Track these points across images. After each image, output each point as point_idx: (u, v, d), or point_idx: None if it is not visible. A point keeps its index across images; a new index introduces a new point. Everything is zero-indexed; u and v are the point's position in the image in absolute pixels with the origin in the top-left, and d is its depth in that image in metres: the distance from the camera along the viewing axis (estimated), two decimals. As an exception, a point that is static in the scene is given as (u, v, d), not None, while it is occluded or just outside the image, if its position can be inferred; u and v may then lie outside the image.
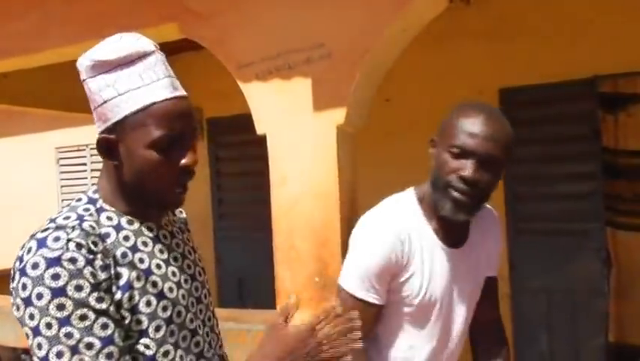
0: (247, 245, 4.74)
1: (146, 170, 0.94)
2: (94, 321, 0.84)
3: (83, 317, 0.84)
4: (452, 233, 1.36)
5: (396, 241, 1.30)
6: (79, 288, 0.84)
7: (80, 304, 0.84)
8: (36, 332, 0.83)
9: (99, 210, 0.96)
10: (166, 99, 0.92)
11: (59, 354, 0.82)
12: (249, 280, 4.85)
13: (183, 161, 0.95)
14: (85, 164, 6.27)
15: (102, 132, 0.94)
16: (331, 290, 2.45)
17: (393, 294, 1.34)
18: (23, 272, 0.85)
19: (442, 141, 1.30)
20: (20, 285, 0.85)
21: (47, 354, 0.82)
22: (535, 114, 3.68)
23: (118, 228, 0.96)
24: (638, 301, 3.51)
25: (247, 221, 4.73)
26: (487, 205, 1.47)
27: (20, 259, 0.87)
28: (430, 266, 1.33)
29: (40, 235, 0.88)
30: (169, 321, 0.96)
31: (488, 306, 1.53)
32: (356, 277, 1.32)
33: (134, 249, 0.95)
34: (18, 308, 0.86)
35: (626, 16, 3.36)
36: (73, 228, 0.88)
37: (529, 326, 3.73)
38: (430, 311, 1.36)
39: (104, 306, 0.86)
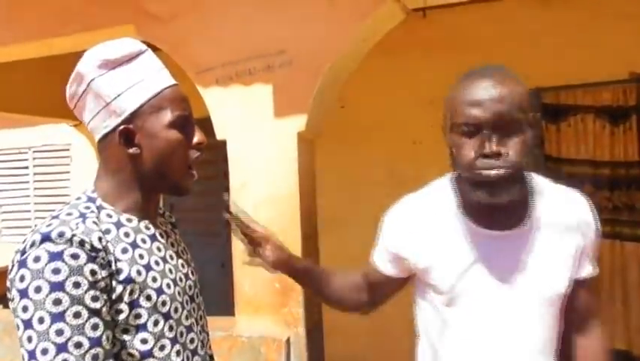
0: (202, 251, 4.67)
1: (168, 150, 0.99)
2: (86, 320, 0.85)
3: (76, 315, 0.84)
4: (497, 213, 1.15)
5: (406, 227, 1.24)
6: (77, 285, 0.84)
7: (75, 301, 0.84)
8: (27, 325, 0.83)
9: (99, 208, 0.98)
10: (172, 85, 1.01)
11: (44, 351, 0.82)
12: (205, 286, 4.77)
13: (196, 139, 1.03)
14: (27, 167, 6.00)
15: (118, 125, 0.97)
16: (291, 296, 2.47)
17: (419, 280, 1.27)
18: (23, 264, 0.84)
19: (449, 123, 1.14)
20: (19, 276, 0.84)
21: (35, 349, 0.82)
22: (484, 123, 3.83)
23: (118, 225, 0.97)
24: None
25: (202, 226, 4.67)
26: (571, 190, 1.23)
27: (22, 251, 0.86)
28: (462, 254, 1.17)
29: (44, 230, 0.87)
30: (167, 316, 0.97)
31: (582, 326, 1.25)
32: (377, 243, 1.37)
33: (133, 245, 0.97)
34: (13, 299, 0.85)
35: (568, 34, 3.56)
36: (77, 224, 0.89)
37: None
38: (468, 301, 1.17)
39: (97, 306, 0.86)
